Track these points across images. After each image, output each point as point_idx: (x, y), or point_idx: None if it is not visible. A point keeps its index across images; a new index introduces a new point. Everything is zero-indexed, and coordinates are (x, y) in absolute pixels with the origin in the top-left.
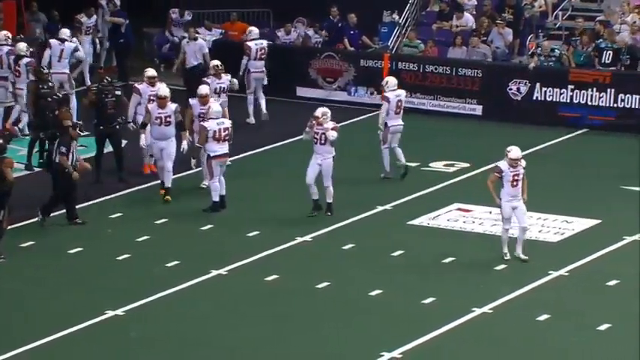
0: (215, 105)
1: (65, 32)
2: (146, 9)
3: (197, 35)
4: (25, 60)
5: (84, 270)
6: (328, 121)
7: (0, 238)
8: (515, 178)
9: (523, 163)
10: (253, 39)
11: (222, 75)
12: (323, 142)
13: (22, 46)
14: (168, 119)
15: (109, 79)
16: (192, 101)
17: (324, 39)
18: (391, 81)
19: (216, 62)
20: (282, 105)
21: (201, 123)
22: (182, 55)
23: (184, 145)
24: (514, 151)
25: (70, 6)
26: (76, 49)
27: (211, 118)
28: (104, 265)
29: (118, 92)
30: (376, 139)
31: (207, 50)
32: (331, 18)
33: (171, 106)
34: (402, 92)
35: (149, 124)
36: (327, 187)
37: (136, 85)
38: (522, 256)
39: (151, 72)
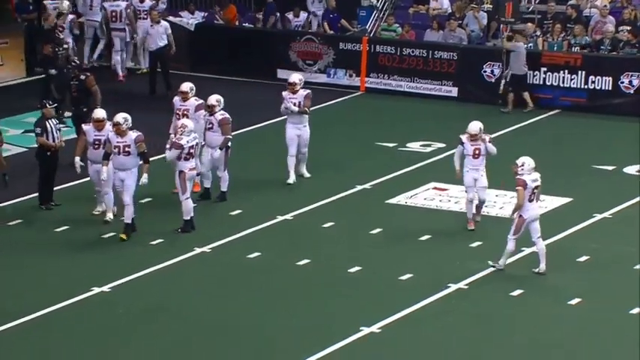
0: (188, 122)
1: None
2: None
3: (160, 19)
4: (70, 17)
5: (71, 248)
6: (182, 135)
7: None
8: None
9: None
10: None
11: (300, 90)
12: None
13: (65, 5)
14: (127, 149)
15: (76, 62)
16: (86, 127)
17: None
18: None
19: (294, 79)
20: (264, 87)
21: (175, 140)
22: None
23: (144, 179)
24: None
25: None
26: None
27: (184, 135)
28: (90, 243)
29: (82, 77)
30: (353, 118)
31: (170, 31)
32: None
33: (132, 135)
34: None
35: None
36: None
37: (174, 98)
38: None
39: (184, 86)
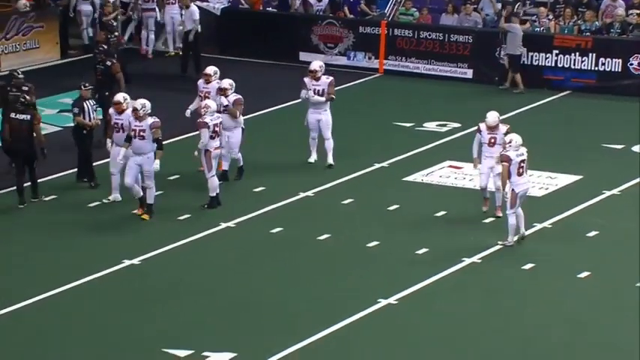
0: (211, 102)
1: None
2: None
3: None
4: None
5: (103, 222)
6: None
7: (35, 184)
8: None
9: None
10: None
11: (322, 77)
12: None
13: None
14: (142, 133)
15: (104, 47)
16: (111, 110)
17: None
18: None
19: (315, 67)
20: (286, 69)
21: (200, 120)
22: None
23: (156, 164)
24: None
25: None
26: None
27: (207, 115)
28: (121, 218)
29: (108, 63)
30: (371, 99)
31: (197, 17)
32: None
33: (149, 120)
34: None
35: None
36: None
37: (198, 81)
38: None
39: (208, 70)
